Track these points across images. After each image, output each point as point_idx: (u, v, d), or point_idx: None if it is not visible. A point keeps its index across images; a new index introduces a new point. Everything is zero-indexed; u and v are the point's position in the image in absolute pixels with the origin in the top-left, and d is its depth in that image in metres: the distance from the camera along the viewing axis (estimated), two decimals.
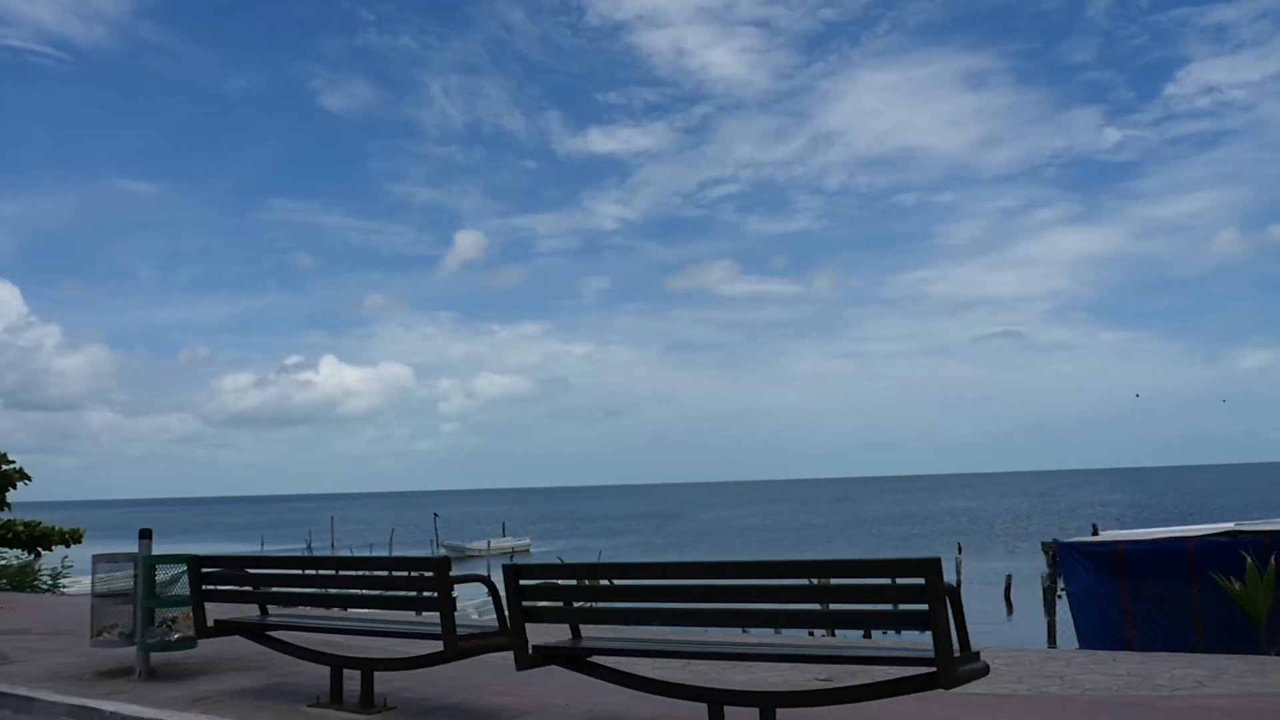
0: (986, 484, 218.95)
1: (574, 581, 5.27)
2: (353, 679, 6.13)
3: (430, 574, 5.39)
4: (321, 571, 6.45)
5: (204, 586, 6.48)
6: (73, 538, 18.86)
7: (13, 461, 18.56)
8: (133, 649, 7.40)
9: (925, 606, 4.08)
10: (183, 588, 7.16)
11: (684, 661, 6.76)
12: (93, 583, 7.49)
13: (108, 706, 6.43)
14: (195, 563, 6.50)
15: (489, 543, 59.95)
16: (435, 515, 68.25)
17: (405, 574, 5.64)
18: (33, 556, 18.31)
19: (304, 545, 60.72)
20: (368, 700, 5.95)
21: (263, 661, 7.77)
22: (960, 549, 35.53)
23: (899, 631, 8.03)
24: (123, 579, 7.47)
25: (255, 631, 6.57)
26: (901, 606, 4.25)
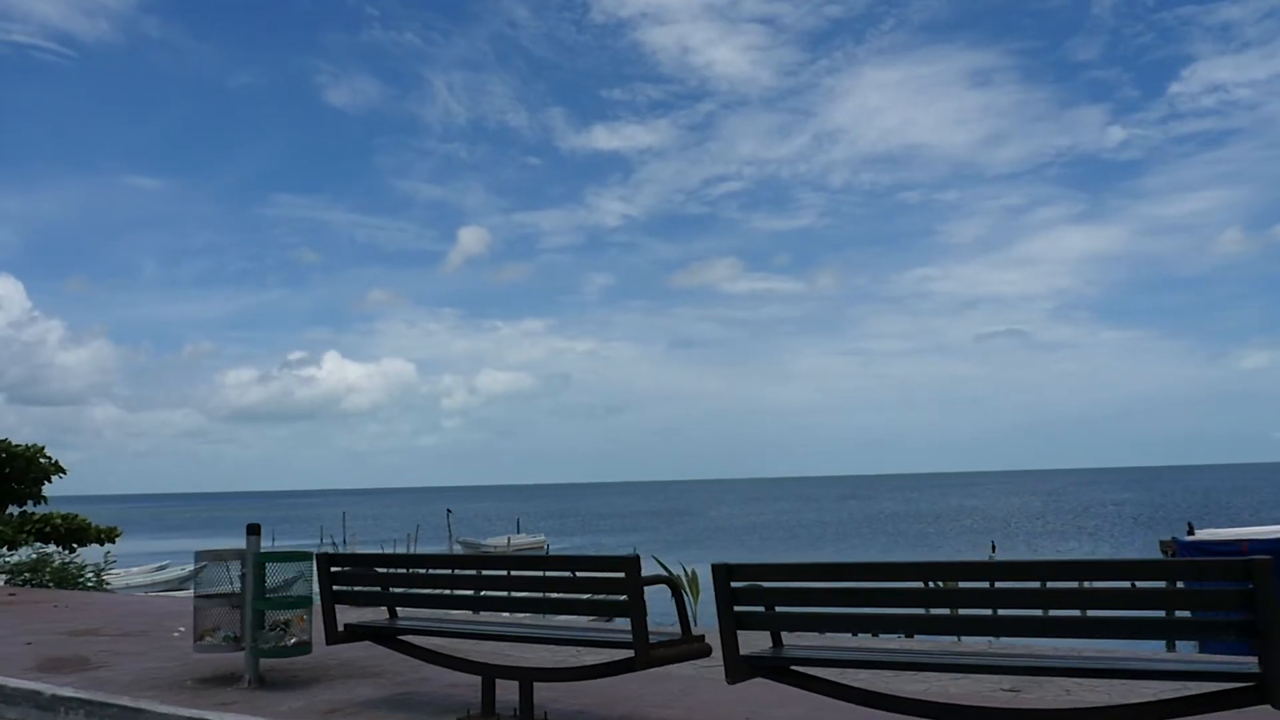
0: (990, 483, 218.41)
1: (783, 584, 4.64)
2: (490, 690, 5.52)
3: (620, 575, 4.77)
4: (460, 571, 5.84)
5: (334, 587, 5.86)
6: (108, 535, 18.28)
7: (48, 455, 17.96)
8: (235, 654, 6.79)
9: None
10: (299, 588, 6.57)
11: (893, 672, 6.13)
12: (195, 582, 6.88)
13: (227, 718, 5.83)
14: (325, 561, 5.89)
15: (508, 539, 59.40)
16: (449, 511, 67.58)
17: (591, 575, 5.02)
18: (69, 552, 17.71)
19: (328, 541, 60.15)
20: (527, 713, 5.34)
21: (375, 667, 7.16)
22: (994, 547, 34.91)
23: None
24: (222, 578, 6.87)
25: (387, 637, 5.96)
26: None
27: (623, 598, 4.78)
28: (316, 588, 6.44)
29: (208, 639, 6.79)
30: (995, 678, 6.17)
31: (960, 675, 6.18)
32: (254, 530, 6.81)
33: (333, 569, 5.85)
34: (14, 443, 17.68)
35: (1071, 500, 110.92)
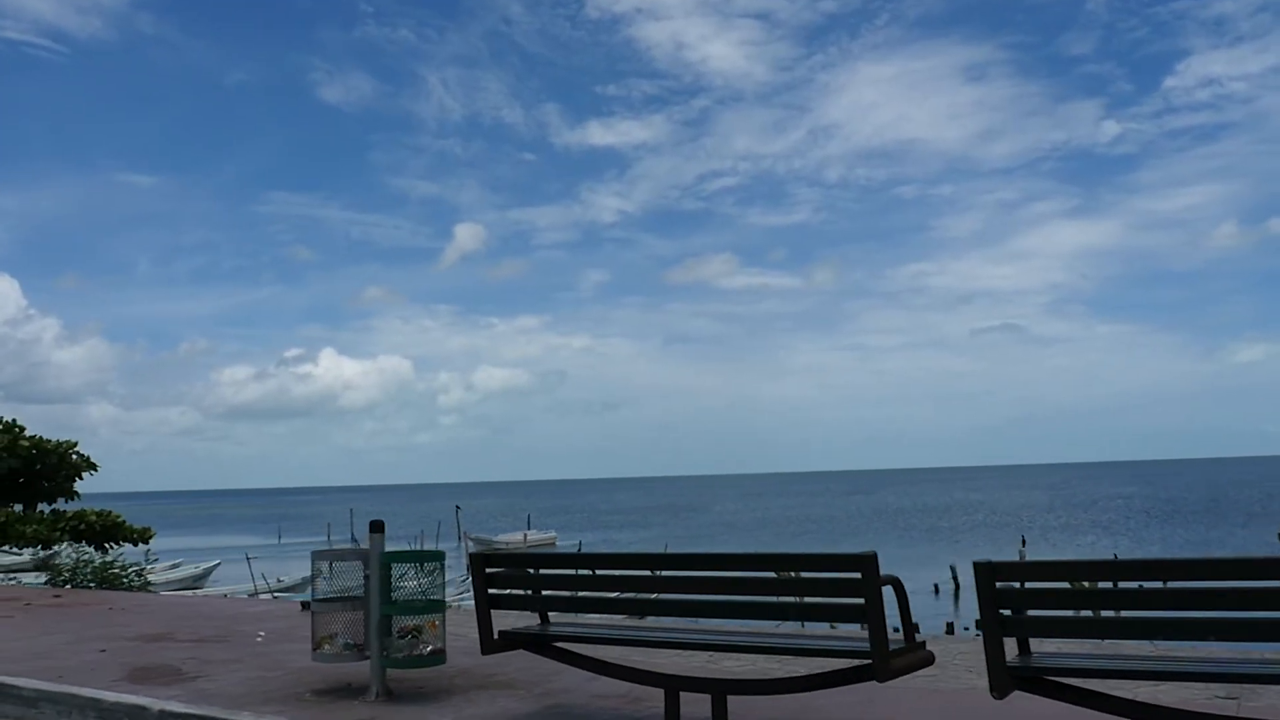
0: (988, 477, 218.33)
1: (1044, 585, 4.05)
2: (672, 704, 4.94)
3: (855, 575, 4.19)
4: (632, 572, 5.25)
5: (489, 590, 5.27)
6: (142, 535, 17.65)
7: (80, 451, 17.31)
8: (357, 664, 6.20)
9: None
10: (429, 590, 5.97)
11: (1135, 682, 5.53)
12: (312, 584, 6.28)
13: None
14: (480, 561, 5.28)
15: (524, 535, 58.90)
16: (458, 508, 67.00)
17: (822, 576, 4.43)
18: (102, 552, 17.09)
19: (343, 539, 59.57)
20: None
21: (502, 677, 6.56)
22: (1024, 542, 34.41)
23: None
24: (341, 577, 6.26)
25: (543, 644, 5.37)
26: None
27: (858, 600, 4.20)
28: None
29: (325, 647, 6.20)
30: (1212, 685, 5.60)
31: (1186, 683, 5.59)
32: (377, 528, 6.21)
33: (488, 570, 5.24)
34: (44, 438, 17.03)
35: (1076, 494, 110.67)
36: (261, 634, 8.83)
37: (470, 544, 59.94)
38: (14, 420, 17.41)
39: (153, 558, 16.71)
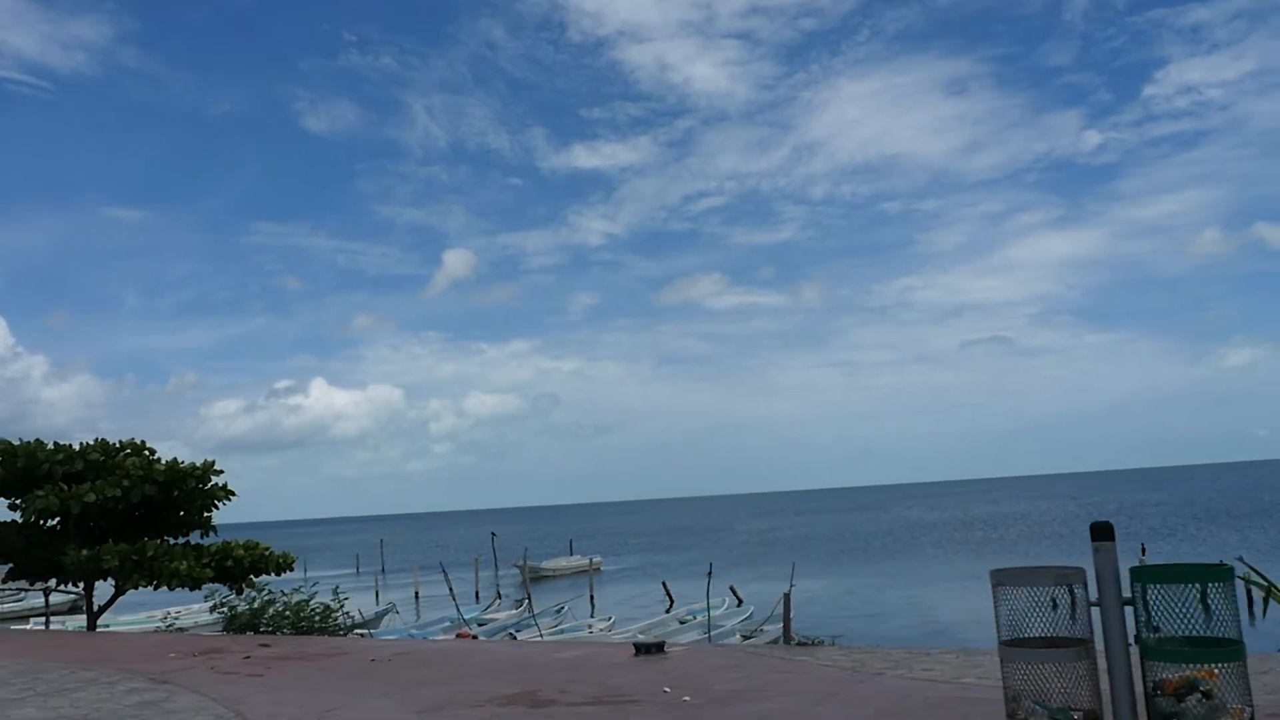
0: (995, 489, 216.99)
1: None
2: None
3: None
4: None
5: None
6: (285, 563, 15.49)
7: (220, 471, 15.12)
8: None
9: None
10: (1222, 622, 3.94)
11: None
12: (996, 618, 4.24)
13: None
14: None
15: (583, 559, 56.81)
16: (493, 535, 64.47)
17: None
18: (236, 588, 14.90)
19: (378, 569, 57.10)
20: None
21: None
22: (1144, 550, 32.53)
23: None
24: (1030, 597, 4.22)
25: None
26: None
27: None
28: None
29: (1030, 708, 4.15)
30: None
31: None
32: (1105, 533, 4.20)
33: None
34: (181, 461, 14.84)
35: (1104, 502, 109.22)
36: (668, 689, 6.75)
37: (515, 572, 57.54)
38: (143, 441, 15.24)
39: (344, 597, 14.46)
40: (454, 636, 23.29)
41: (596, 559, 60.11)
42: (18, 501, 14.82)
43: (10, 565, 15.21)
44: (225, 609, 13.83)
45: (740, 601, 34.48)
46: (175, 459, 14.81)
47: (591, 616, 31.36)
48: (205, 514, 15.25)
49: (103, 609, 15.22)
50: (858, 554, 60.65)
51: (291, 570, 15.92)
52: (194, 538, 15.38)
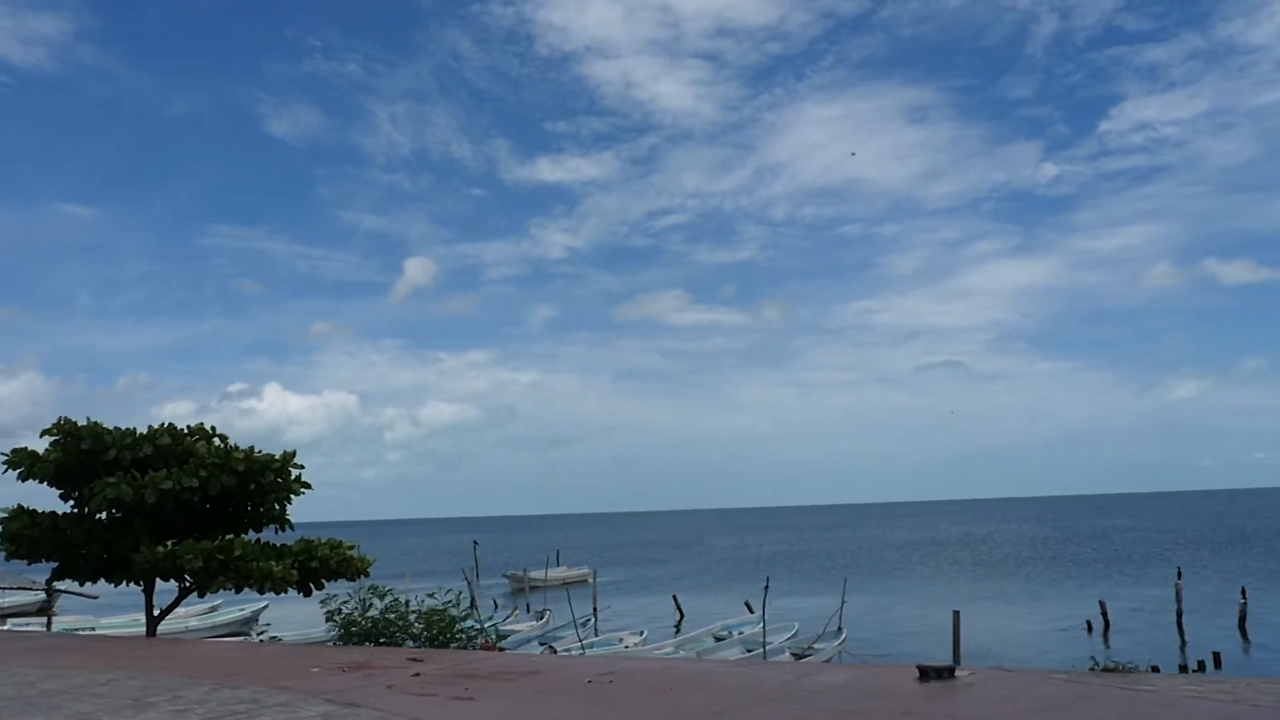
0: (952, 511, 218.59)
1: None
2: None
3: None
4: None
5: None
6: (363, 566, 14.01)
7: (301, 466, 13.57)
8: None
9: None
10: None
11: None
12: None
13: None
14: None
15: (573, 570, 55.19)
16: (475, 543, 62.77)
17: None
18: (303, 593, 13.38)
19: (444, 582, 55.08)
20: None
21: None
22: (1180, 575, 31.91)
23: None
24: None
25: None
26: None
27: None
28: None
29: None
30: None
31: None
32: None
33: None
34: (259, 451, 13.25)
35: (1073, 527, 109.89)
36: None
37: (505, 580, 55.67)
38: (213, 427, 13.66)
39: (464, 607, 12.95)
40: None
41: (585, 569, 58.57)
42: (70, 490, 13.21)
43: (56, 564, 13.51)
44: (338, 616, 12.23)
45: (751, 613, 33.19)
46: (252, 447, 13.26)
47: (593, 629, 29.57)
48: (281, 509, 13.71)
49: (164, 613, 13.59)
50: (853, 571, 59.69)
51: (368, 575, 14.46)
52: (261, 535, 13.88)
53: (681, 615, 37.88)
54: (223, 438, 13.46)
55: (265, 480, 13.08)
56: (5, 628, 26.31)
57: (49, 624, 25.87)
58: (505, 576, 53.82)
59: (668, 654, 22.76)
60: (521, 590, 48.08)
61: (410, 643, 11.06)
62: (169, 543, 12.77)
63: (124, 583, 13.16)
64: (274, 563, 12.06)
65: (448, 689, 7.52)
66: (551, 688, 7.46)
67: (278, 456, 13.18)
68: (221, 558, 12.03)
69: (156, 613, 13.52)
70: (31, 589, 23.79)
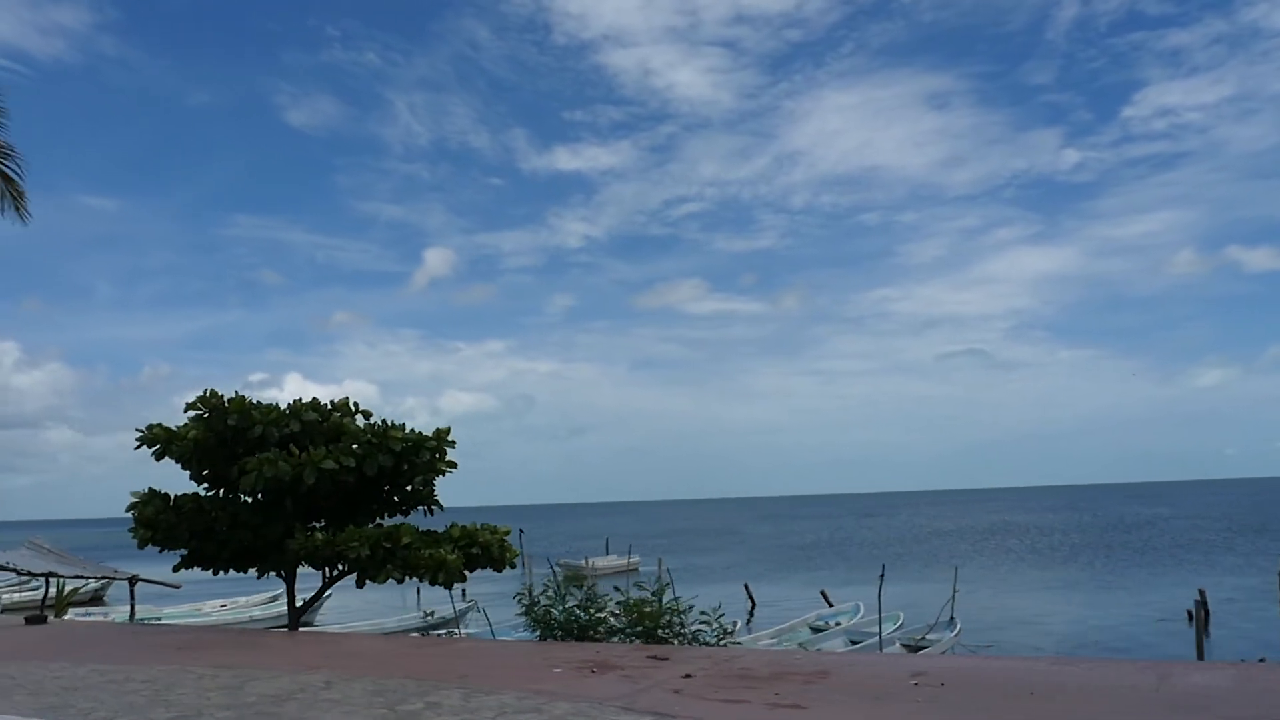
0: (977, 500, 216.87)
1: None
2: None
3: None
4: None
5: None
6: (513, 556, 12.98)
7: (453, 443, 12.50)
8: None
9: None
10: None
11: None
12: None
13: None
14: None
15: (622, 559, 54.21)
16: (521, 531, 61.78)
17: None
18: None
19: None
20: None
21: None
22: None
23: None
24: None
25: None
26: None
27: None
28: None
29: None
30: None
31: None
32: None
33: None
34: (410, 429, 12.17)
35: (1107, 515, 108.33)
36: None
37: (558, 569, 54.82)
38: (357, 404, 12.61)
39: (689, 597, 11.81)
40: None
41: (635, 559, 57.56)
42: (206, 470, 12.18)
43: (184, 552, 12.46)
44: (535, 610, 11.12)
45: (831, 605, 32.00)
46: (404, 424, 12.20)
47: None
48: (429, 489, 12.66)
49: (307, 605, 12.59)
50: (907, 560, 58.55)
51: (513, 565, 13.46)
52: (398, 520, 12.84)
53: (754, 605, 36.84)
54: (366, 414, 12.42)
55: (420, 459, 12.01)
56: (67, 617, 25.49)
57: (130, 612, 24.98)
58: (558, 565, 53.00)
59: (772, 645, 21.72)
60: (578, 580, 47.14)
61: (615, 637, 10.00)
62: (319, 527, 11.75)
63: (268, 572, 12.16)
64: (449, 551, 11.00)
65: (746, 693, 6.46)
66: (875, 691, 6.38)
67: (429, 435, 12.13)
68: (388, 545, 10.98)
69: (299, 604, 12.51)
70: (115, 578, 22.92)
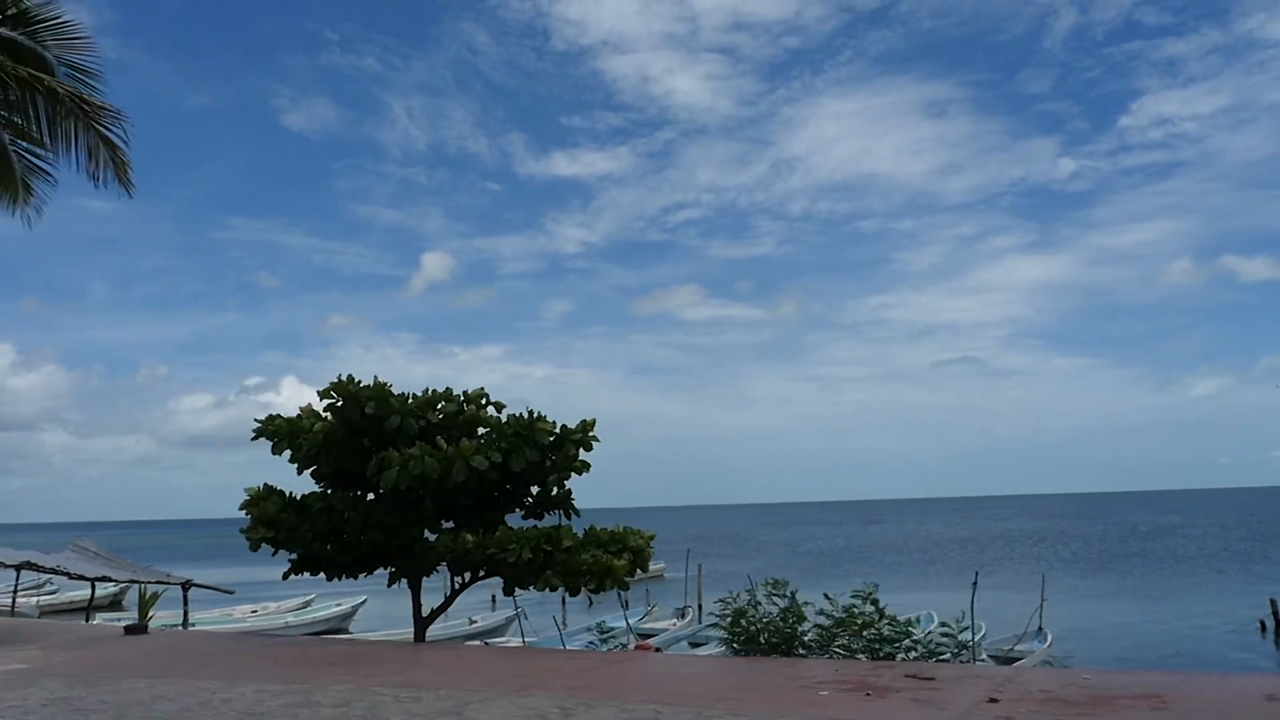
0: (974, 507, 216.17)
1: None
2: None
3: None
4: None
5: None
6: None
7: (596, 437, 11.45)
8: None
9: None
10: None
11: None
12: None
13: None
14: None
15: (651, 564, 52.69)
16: None
17: None
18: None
19: None
20: None
21: None
22: None
23: None
24: None
25: None
26: None
27: None
28: None
29: None
30: None
31: None
32: None
33: None
34: (551, 421, 11.12)
35: (1116, 523, 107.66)
36: None
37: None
38: (489, 397, 11.59)
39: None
40: (632, 648, 19.83)
41: (660, 565, 56.46)
42: (334, 466, 11.14)
43: (295, 555, 11.42)
44: (726, 621, 10.08)
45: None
46: (543, 415, 11.16)
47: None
48: (565, 489, 11.62)
49: (435, 613, 11.52)
50: (940, 566, 57.61)
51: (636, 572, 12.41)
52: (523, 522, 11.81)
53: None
54: (498, 405, 11.40)
55: (563, 454, 10.98)
56: (95, 621, 24.31)
57: (184, 618, 23.88)
58: None
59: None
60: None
61: (835, 654, 9.01)
62: (456, 528, 10.71)
63: (400, 579, 11.10)
64: (616, 557, 9.99)
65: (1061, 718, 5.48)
66: (1240, 714, 5.42)
67: (573, 428, 11.10)
68: (548, 549, 9.96)
69: (425, 613, 11.44)
70: (170, 582, 21.83)
